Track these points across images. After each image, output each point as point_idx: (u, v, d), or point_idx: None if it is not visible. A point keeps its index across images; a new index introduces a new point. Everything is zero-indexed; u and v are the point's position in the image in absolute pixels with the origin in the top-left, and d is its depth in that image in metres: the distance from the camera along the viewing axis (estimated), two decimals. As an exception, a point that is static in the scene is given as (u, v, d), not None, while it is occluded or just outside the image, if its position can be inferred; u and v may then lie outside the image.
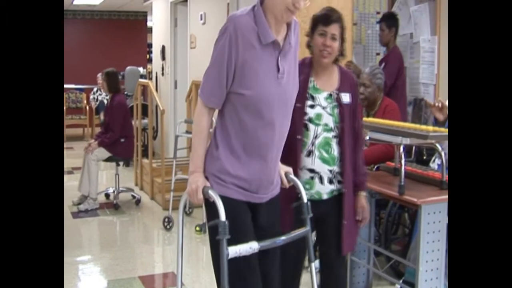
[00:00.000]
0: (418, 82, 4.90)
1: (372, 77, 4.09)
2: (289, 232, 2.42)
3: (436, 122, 3.42)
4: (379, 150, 3.92)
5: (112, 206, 6.44)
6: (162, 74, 9.35)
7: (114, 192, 6.62)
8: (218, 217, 2.19)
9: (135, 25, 13.28)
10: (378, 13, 5.25)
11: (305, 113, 2.82)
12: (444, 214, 3.14)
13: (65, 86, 11.24)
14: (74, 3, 11.13)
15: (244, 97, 2.28)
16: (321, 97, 2.85)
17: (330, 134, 2.82)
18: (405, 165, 3.23)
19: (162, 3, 9.30)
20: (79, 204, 6.31)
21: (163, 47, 9.19)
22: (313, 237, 3.15)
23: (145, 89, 8.16)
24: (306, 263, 2.87)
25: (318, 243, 3.06)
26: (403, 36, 5.12)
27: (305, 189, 2.80)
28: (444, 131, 3.20)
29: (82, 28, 12.71)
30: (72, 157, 8.58)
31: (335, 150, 2.82)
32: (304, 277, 3.04)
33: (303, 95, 2.82)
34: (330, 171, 2.83)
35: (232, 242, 2.18)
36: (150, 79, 10.19)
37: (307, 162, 2.82)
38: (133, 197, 6.70)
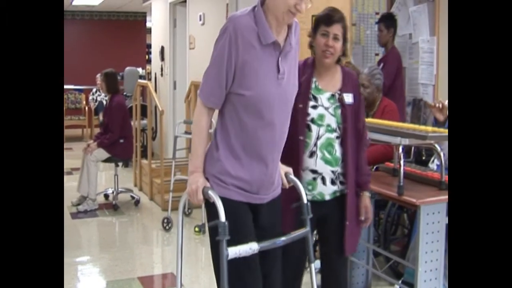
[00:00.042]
0: (417, 82, 4.90)
1: (371, 78, 4.09)
2: (290, 232, 2.42)
3: (436, 123, 3.42)
4: (377, 151, 3.91)
5: (111, 206, 6.44)
6: (161, 74, 9.35)
7: (113, 192, 6.62)
8: (218, 218, 2.18)
9: (134, 25, 13.28)
10: (377, 13, 5.25)
11: (308, 114, 2.81)
12: (443, 215, 3.14)
13: (64, 86, 11.23)
14: (73, 3, 11.13)
15: (244, 98, 2.27)
16: (323, 98, 2.84)
17: (333, 135, 2.81)
18: (404, 165, 3.23)
19: (161, 3, 9.30)
20: (78, 204, 6.32)
21: (162, 48, 9.19)
22: (314, 237, 3.14)
23: (144, 89, 8.17)
24: (306, 263, 2.88)
25: (320, 244, 3.04)
26: (402, 36, 5.12)
27: (308, 190, 2.80)
28: (443, 131, 3.20)
29: (81, 29, 12.71)
30: (71, 157, 8.58)
31: (337, 151, 2.81)
32: (304, 278, 3.04)
33: (306, 95, 2.81)
34: (333, 172, 2.82)
35: (233, 243, 2.18)
36: (149, 79, 10.19)
37: (309, 163, 2.81)
38: (132, 197, 6.70)
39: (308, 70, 2.87)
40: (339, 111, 2.82)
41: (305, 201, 2.48)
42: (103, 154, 6.31)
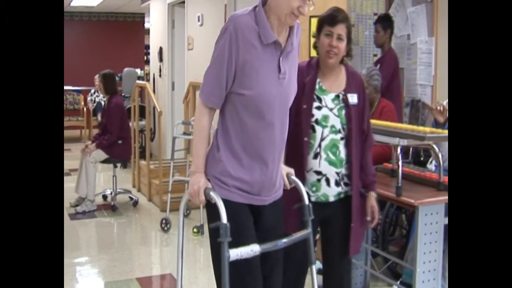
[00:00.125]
0: (415, 83, 4.90)
1: (369, 79, 4.09)
2: (292, 234, 2.41)
3: (436, 124, 3.42)
4: (375, 152, 3.90)
5: (110, 207, 6.44)
6: (160, 75, 9.35)
7: (111, 193, 6.62)
8: (219, 219, 2.17)
9: (132, 26, 13.28)
10: (375, 14, 5.24)
11: (312, 115, 2.79)
12: (441, 215, 3.14)
13: (63, 87, 11.24)
14: (72, 4, 11.12)
15: (244, 97, 2.27)
16: (327, 99, 2.82)
17: (338, 136, 2.79)
18: (402, 166, 3.23)
19: (159, 4, 9.30)
20: (77, 205, 6.31)
21: (161, 49, 9.19)
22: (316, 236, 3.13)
23: (142, 90, 8.16)
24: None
25: (323, 245, 3.01)
26: (400, 37, 5.12)
27: (312, 191, 2.80)
28: (442, 132, 3.20)
29: (80, 30, 12.71)
30: (69, 158, 8.56)
31: (342, 152, 2.80)
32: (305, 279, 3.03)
33: (310, 96, 2.80)
34: (337, 173, 2.80)
35: (234, 245, 2.16)
36: (148, 80, 10.19)
37: (314, 164, 2.80)
38: (131, 198, 6.70)
39: (312, 70, 2.85)
40: (343, 112, 2.81)
41: (306, 202, 2.47)
42: (101, 155, 6.31)
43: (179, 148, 6.12)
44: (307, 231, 2.44)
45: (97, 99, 10.67)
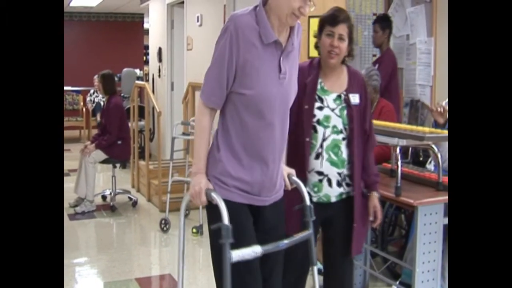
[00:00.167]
0: (415, 83, 4.91)
1: (368, 79, 4.09)
2: (294, 235, 2.39)
3: (436, 125, 3.42)
4: (374, 152, 3.91)
5: (109, 208, 6.44)
6: (159, 76, 9.35)
7: (110, 194, 6.62)
8: (220, 220, 2.16)
9: (131, 27, 13.28)
10: (374, 14, 5.24)
11: (313, 115, 2.79)
12: (440, 215, 3.14)
13: (62, 88, 11.23)
14: (71, 5, 11.12)
15: (245, 97, 2.26)
16: (329, 99, 2.82)
17: (339, 136, 2.79)
18: (401, 166, 3.23)
19: (158, 5, 9.30)
20: (76, 206, 6.31)
21: (160, 49, 9.19)
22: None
23: (141, 91, 8.16)
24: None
25: (325, 246, 3.00)
26: (399, 37, 5.12)
27: (313, 192, 2.79)
28: (441, 132, 3.20)
29: (79, 30, 12.71)
30: (68, 159, 8.56)
31: (344, 152, 2.79)
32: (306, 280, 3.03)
33: (311, 97, 2.79)
34: (339, 174, 2.80)
35: (233, 246, 2.16)
36: (147, 81, 10.19)
37: (315, 164, 2.79)
38: (130, 199, 6.70)
39: (314, 71, 2.85)
40: (345, 112, 2.80)
41: (308, 203, 2.46)
42: (100, 155, 6.31)
43: (178, 148, 6.12)
44: (309, 232, 2.43)
45: (96, 100, 10.67)
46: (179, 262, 2.52)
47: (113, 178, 6.58)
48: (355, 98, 2.82)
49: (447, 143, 3.38)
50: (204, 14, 7.35)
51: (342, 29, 2.75)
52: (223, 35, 2.27)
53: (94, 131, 9.13)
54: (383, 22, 4.96)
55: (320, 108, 2.80)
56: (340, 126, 2.79)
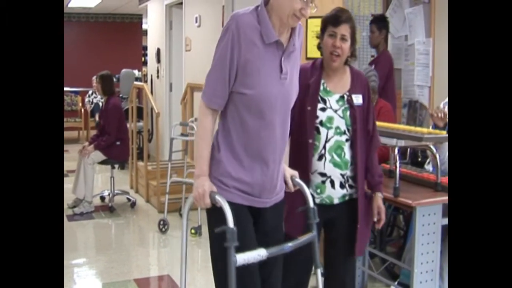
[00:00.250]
0: (413, 84, 4.91)
1: (366, 80, 4.09)
2: (297, 237, 2.38)
3: (436, 127, 3.43)
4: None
5: (107, 209, 6.44)
6: (157, 76, 9.35)
7: (109, 195, 6.63)
8: (222, 223, 2.14)
9: (130, 27, 13.27)
10: (373, 15, 5.25)
11: (316, 117, 2.78)
12: (439, 216, 3.15)
13: (61, 89, 11.22)
14: (69, 5, 11.11)
15: (246, 97, 2.26)
16: (332, 100, 2.81)
17: (343, 138, 2.78)
18: (400, 167, 3.23)
19: (157, 5, 9.30)
20: (74, 207, 6.31)
21: (158, 50, 9.19)
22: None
23: (140, 91, 8.17)
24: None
25: (327, 247, 2.99)
26: (397, 38, 5.13)
27: (316, 193, 2.78)
28: (439, 133, 3.21)
29: (77, 31, 12.70)
30: (67, 160, 8.54)
31: (347, 153, 2.78)
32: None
33: (314, 98, 2.78)
34: (342, 175, 2.78)
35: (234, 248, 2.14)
36: (145, 81, 10.20)
37: (318, 166, 2.78)
38: (128, 200, 6.70)
39: (316, 72, 2.84)
40: (348, 113, 2.79)
41: (311, 205, 2.44)
42: (99, 156, 6.31)
43: (176, 149, 6.12)
44: (312, 234, 2.41)
45: (94, 100, 10.68)
46: (182, 265, 2.51)
47: (112, 179, 6.58)
48: (358, 99, 2.81)
49: (446, 146, 3.40)
50: (203, 15, 7.35)
51: (344, 30, 2.74)
52: (224, 34, 2.26)
53: (93, 132, 9.12)
54: (380, 23, 4.95)
55: (323, 109, 2.79)
56: (343, 127, 2.78)
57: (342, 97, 2.82)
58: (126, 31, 13.16)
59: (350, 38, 2.76)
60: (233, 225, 2.13)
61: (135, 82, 8.51)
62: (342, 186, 2.79)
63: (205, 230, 4.88)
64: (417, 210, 3.09)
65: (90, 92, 10.91)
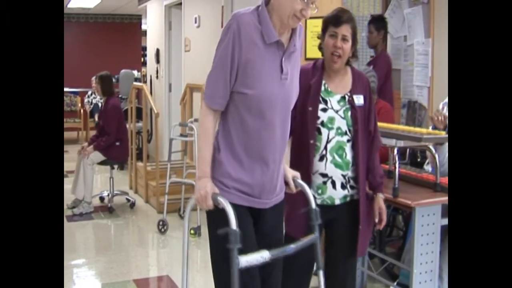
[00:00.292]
0: (412, 84, 4.91)
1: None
2: (300, 239, 2.37)
3: (435, 129, 3.43)
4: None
5: (107, 209, 6.44)
6: (157, 77, 9.35)
7: (108, 195, 6.62)
8: (223, 224, 2.13)
9: (129, 28, 13.27)
10: (372, 15, 5.25)
11: (318, 117, 2.77)
12: (438, 216, 3.15)
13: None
14: (69, 6, 11.12)
15: (246, 97, 2.26)
16: (333, 100, 2.80)
17: (344, 138, 2.77)
18: (399, 167, 3.23)
19: (156, 6, 9.30)
20: (73, 207, 6.31)
21: (158, 50, 9.19)
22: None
23: (139, 92, 8.16)
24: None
25: (327, 247, 2.98)
26: (397, 39, 5.13)
27: (317, 194, 2.77)
28: (438, 133, 3.21)
29: (77, 31, 12.69)
30: (66, 160, 8.51)
31: (348, 154, 2.78)
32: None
33: (315, 98, 2.78)
34: (344, 176, 2.78)
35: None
36: (145, 82, 10.19)
37: (319, 166, 2.77)
38: (128, 200, 6.69)
39: (318, 72, 2.83)
40: (349, 114, 2.79)
41: (313, 206, 2.43)
42: (98, 157, 6.31)
43: (176, 149, 6.12)
44: (315, 235, 2.40)
45: (94, 101, 10.67)
46: (183, 267, 2.50)
47: (111, 179, 6.58)
48: (359, 99, 2.81)
49: (446, 148, 3.40)
50: (202, 15, 7.35)
51: (345, 30, 2.74)
52: (226, 34, 2.26)
53: (92, 133, 9.12)
54: (378, 23, 4.95)
55: (324, 110, 2.79)
56: (344, 128, 2.78)
57: (343, 97, 2.81)
58: (125, 32, 13.16)
59: (351, 39, 2.76)
60: (236, 226, 2.11)
61: (135, 83, 8.50)
62: (343, 187, 2.79)
63: (204, 230, 4.88)
64: (416, 210, 3.10)
65: (89, 92, 10.90)
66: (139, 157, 7.75)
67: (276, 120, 2.31)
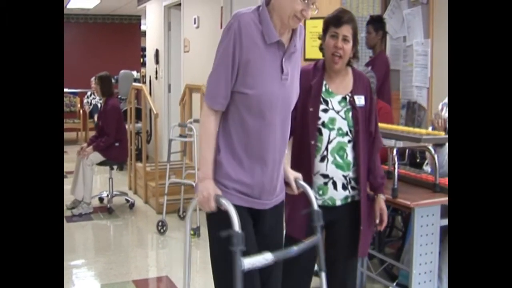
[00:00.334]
0: (411, 85, 4.91)
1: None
2: (302, 240, 2.36)
3: (435, 130, 3.43)
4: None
5: (106, 210, 6.43)
6: (156, 77, 9.35)
7: (108, 196, 6.62)
8: (224, 225, 2.12)
9: (128, 28, 13.28)
10: (371, 16, 5.25)
11: (318, 118, 2.77)
12: (437, 217, 3.15)
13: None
14: (68, 6, 11.11)
15: (247, 97, 2.25)
16: (334, 101, 2.80)
17: (345, 139, 2.77)
18: (398, 168, 3.24)
19: (155, 6, 9.30)
20: (73, 208, 6.31)
21: (157, 51, 9.19)
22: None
23: (138, 92, 8.16)
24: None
25: (327, 248, 2.95)
26: (396, 39, 5.13)
27: (318, 194, 2.77)
28: (437, 133, 3.21)
29: (76, 32, 12.69)
30: (66, 161, 8.51)
31: (349, 155, 2.77)
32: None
33: (316, 99, 2.77)
34: (345, 176, 2.78)
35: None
36: (144, 82, 10.19)
37: (320, 167, 2.77)
38: (127, 201, 6.69)
39: (319, 73, 2.83)
40: (350, 114, 2.78)
41: (315, 207, 2.42)
42: (98, 157, 6.31)
43: (175, 150, 6.12)
44: (317, 237, 2.39)
45: (93, 101, 10.67)
46: (185, 267, 2.49)
47: (110, 180, 6.58)
48: (360, 100, 2.80)
49: (445, 150, 3.40)
50: (201, 16, 7.35)
51: (346, 30, 2.74)
52: (226, 33, 2.26)
53: (92, 133, 9.12)
54: (376, 23, 4.95)
55: (325, 111, 2.79)
56: (345, 129, 2.78)
57: (344, 98, 2.81)
58: (124, 32, 13.17)
59: (352, 39, 2.76)
60: (239, 228, 2.10)
61: (134, 83, 8.51)
62: (344, 187, 2.79)
63: (203, 231, 4.88)
64: (416, 211, 3.10)
65: (88, 93, 10.91)
66: (139, 158, 7.75)
67: (276, 121, 2.31)
